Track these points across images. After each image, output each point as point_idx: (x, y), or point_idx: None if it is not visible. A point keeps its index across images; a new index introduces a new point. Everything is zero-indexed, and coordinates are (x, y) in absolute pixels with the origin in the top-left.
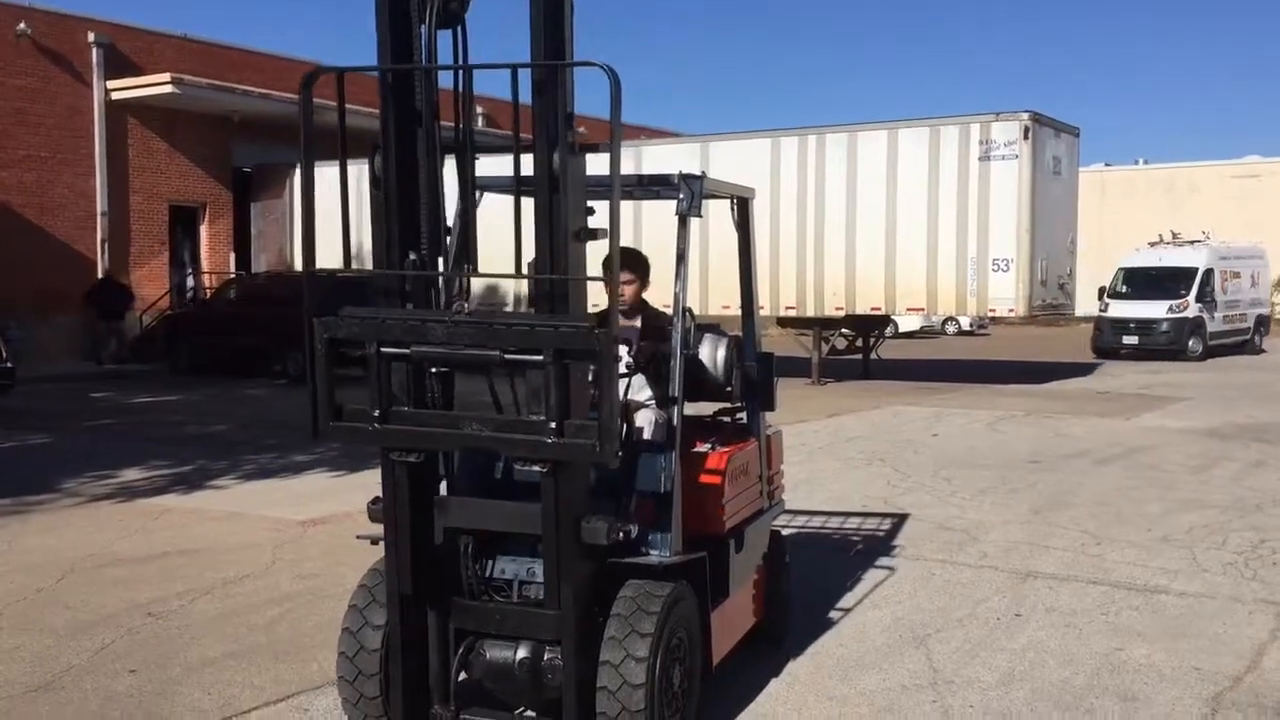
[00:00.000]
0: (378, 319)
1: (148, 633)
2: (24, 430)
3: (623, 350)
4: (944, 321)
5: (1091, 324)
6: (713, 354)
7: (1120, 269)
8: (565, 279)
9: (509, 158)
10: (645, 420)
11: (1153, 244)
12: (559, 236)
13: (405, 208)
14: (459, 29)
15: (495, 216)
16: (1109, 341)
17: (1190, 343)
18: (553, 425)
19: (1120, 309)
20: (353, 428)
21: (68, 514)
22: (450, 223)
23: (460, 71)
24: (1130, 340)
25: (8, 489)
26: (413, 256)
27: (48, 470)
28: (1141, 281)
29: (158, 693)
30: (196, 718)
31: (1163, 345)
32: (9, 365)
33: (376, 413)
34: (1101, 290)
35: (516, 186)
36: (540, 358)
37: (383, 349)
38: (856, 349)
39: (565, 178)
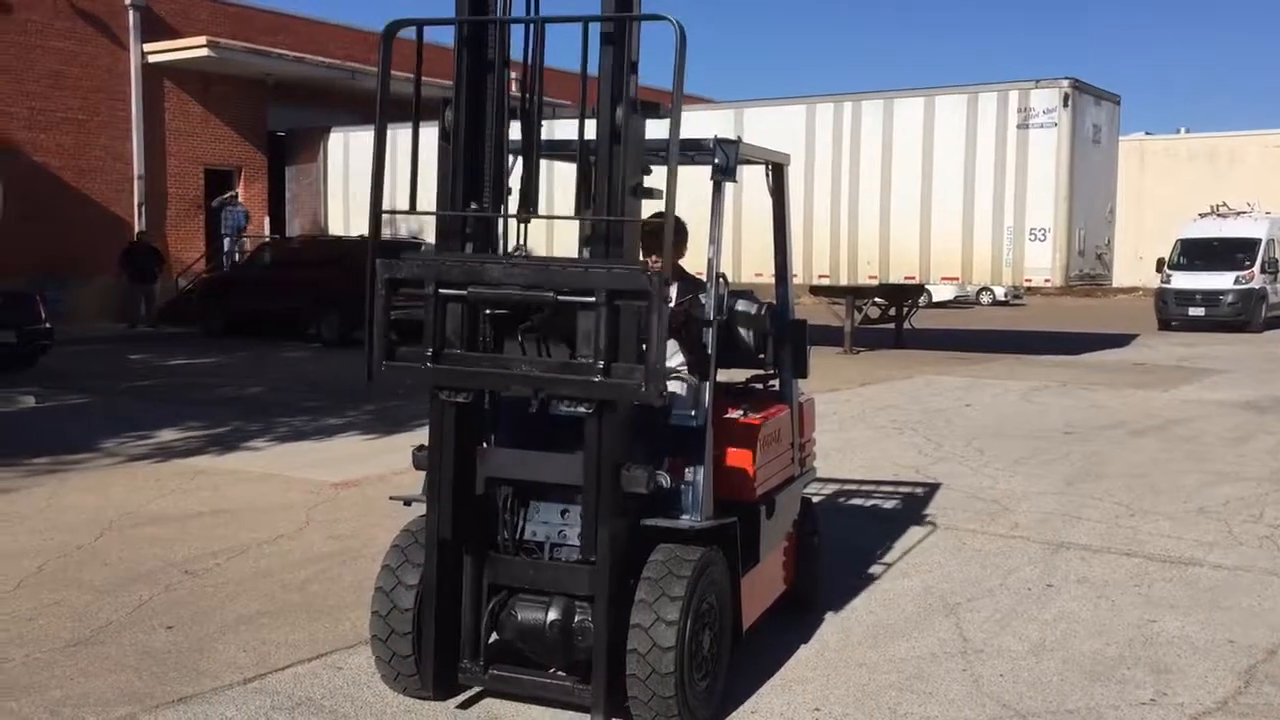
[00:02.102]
0: (437, 260)
1: (184, 590)
2: (62, 390)
3: None
4: (979, 291)
5: (1131, 295)
6: (746, 320)
7: (1178, 240)
8: (620, 220)
9: (557, 124)
10: (677, 386)
11: (1203, 215)
12: (617, 190)
13: (471, 160)
14: None
15: (550, 180)
16: (1173, 313)
17: (1258, 314)
18: (600, 365)
19: (1185, 280)
20: (405, 367)
21: (105, 473)
22: (512, 180)
23: (532, 25)
24: (1196, 312)
25: (47, 448)
26: (474, 207)
27: (86, 430)
28: (1202, 252)
29: (194, 649)
30: (233, 674)
31: (1228, 316)
32: (47, 326)
33: (429, 352)
34: (1161, 262)
35: (581, 143)
36: (592, 299)
37: (440, 290)
38: (890, 318)
39: (627, 131)
